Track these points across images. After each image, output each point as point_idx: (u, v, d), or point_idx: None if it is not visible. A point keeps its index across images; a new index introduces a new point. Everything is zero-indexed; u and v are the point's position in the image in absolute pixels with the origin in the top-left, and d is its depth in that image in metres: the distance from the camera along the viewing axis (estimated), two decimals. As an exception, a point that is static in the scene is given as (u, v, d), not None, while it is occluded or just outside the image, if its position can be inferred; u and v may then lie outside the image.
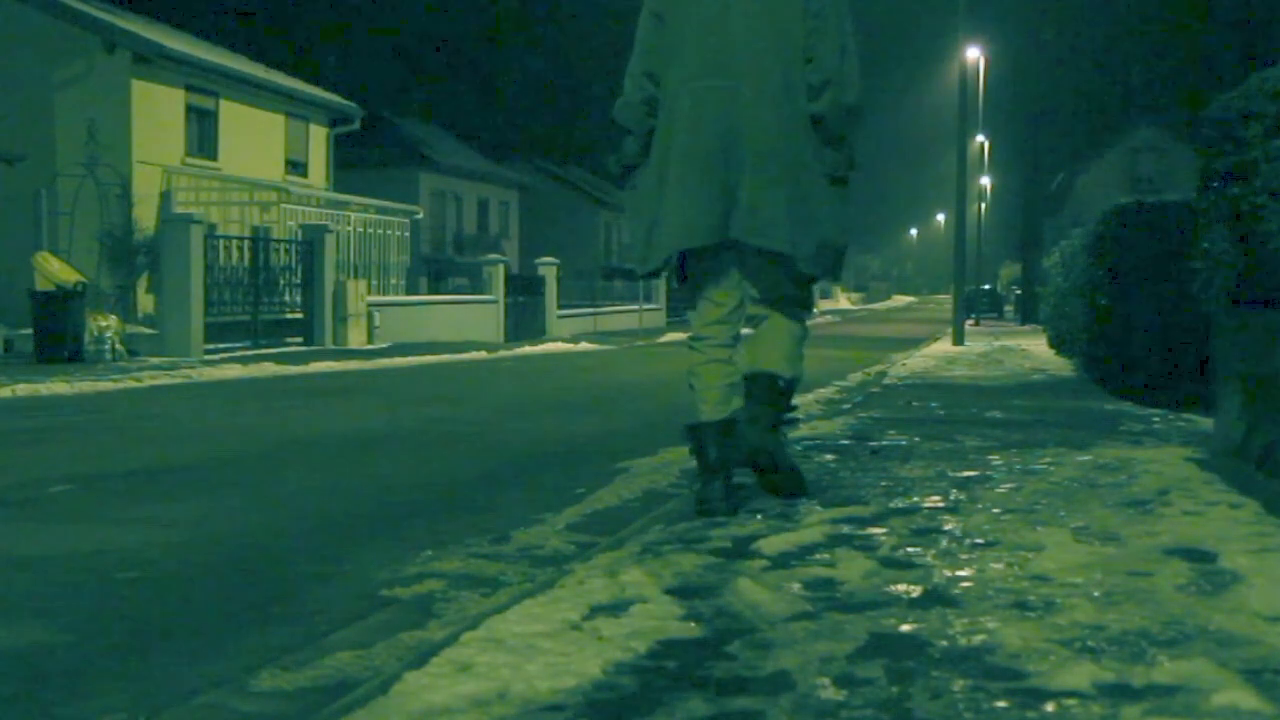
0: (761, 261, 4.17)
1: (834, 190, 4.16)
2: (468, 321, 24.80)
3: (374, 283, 23.58)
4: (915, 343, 24.23)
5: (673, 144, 4.12)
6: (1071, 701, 2.27)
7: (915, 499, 4.53)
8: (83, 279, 15.87)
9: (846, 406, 9.11)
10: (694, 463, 4.38)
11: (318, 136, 25.53)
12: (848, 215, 4.26)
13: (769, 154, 4.03)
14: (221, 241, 19.40)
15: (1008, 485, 4.83)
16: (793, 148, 4.07)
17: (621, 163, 4.34)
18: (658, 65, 4.21)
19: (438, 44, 51.56)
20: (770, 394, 4.31)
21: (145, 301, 19.16)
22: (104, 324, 15.97)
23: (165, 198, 20.02)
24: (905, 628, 2.79)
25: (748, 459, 4.30)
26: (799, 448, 6.05)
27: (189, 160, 20.99)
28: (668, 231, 4.12)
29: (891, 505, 4.39)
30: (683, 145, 4.08)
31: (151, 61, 19.68)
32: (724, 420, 4.17)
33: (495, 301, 26.29)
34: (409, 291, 26.26)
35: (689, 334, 4.40)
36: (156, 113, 20.12)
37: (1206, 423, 6.81)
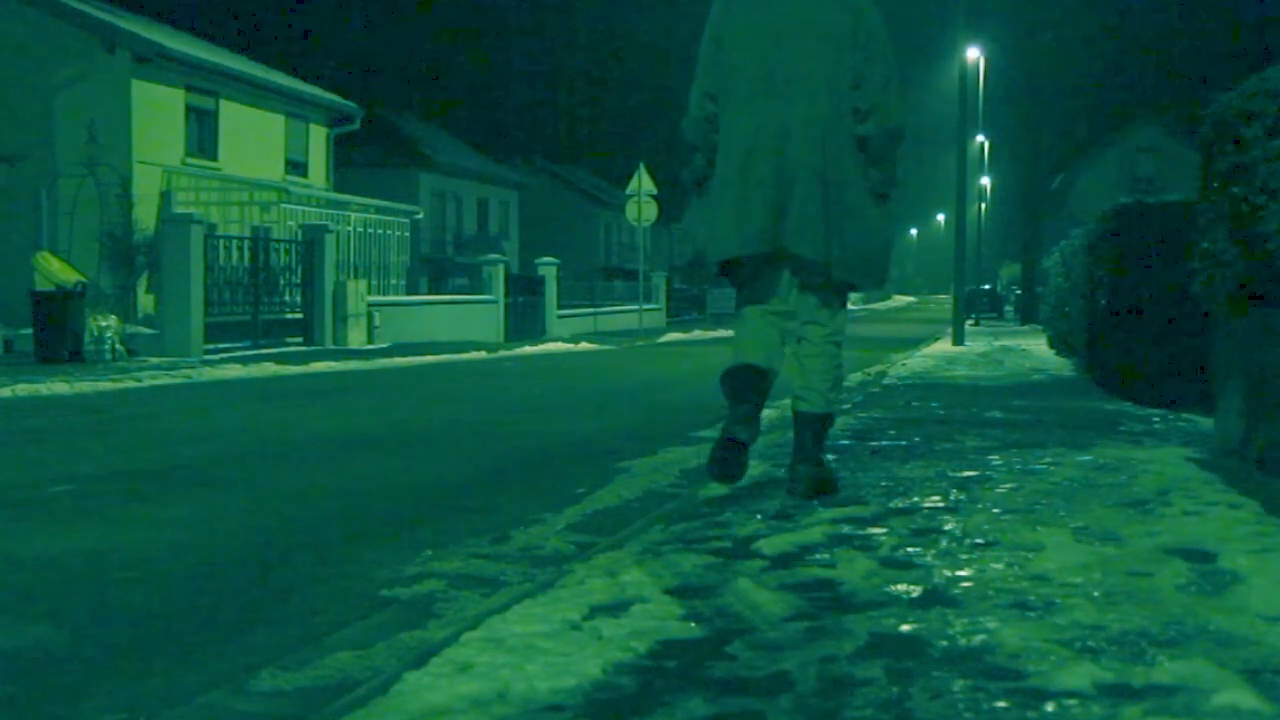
0: (810, 269, 4.46)
1: (877, 206, 4.46)
2: (468, 321, 24.79)
3: (374, 283, 23.57)
4: (915, 343, 24.23)
5: (730, 159, 4.44)
6: (1071, 701, 2.27)
7: (915, 499, 4.53)
8: (83, 279, 15.87)
9: (846, 406, 9.10)
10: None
11: (318, 136, 25.51)
12: (891, 229, 4.57)
13: (816, 171, 4.33)
14: (221, 241, 19.39)
15: (1008, 485, 4.83)
16: (839, 166, 4.36)
17: (693, 176, 4.63)
18: (718, 85, 4.52)
19: (438, 44, 51.57)
20: (818, 434, 4.62)
21: (145, 301, 19.15)
22: (104, 324, 15.97)
23: (165, 198, 20.01)
24: (905, 628, 2.79)
25: (806, 489, 4.53)
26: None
27: (189, 160, 20.97)
28: (724, 239, 4.46)
29: (891, 505, 4.39)
30: (739, 161, 4.40)
31: (151, 61, 19.66)
32: (763, 368, 4.49)
33: (495, 301, 26.29)
34: (409, 291, 26.25)
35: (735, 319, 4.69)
36: (156, 113, 20.10)
37: (1206, 423, 6.81)
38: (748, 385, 4.45)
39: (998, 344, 21.05)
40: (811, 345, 4.58)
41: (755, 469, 5.15)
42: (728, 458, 4.44)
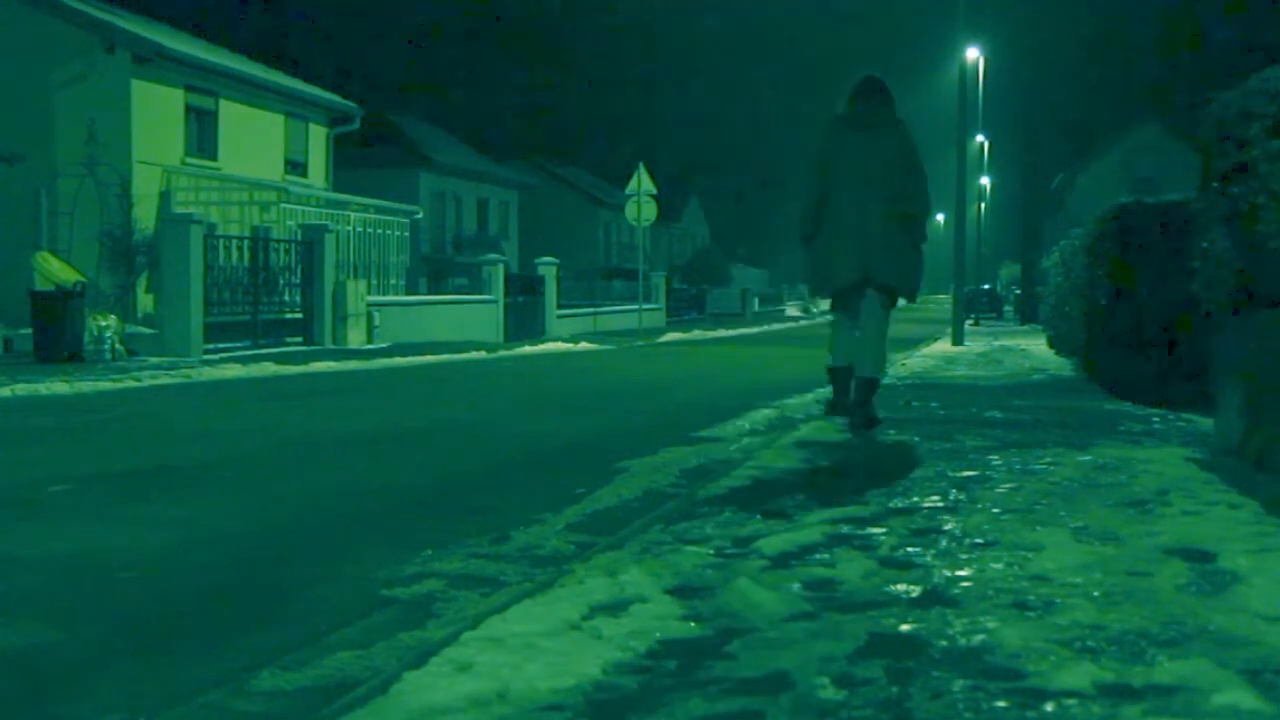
0: (881, 289, 7.19)
1: (914, 252, 7.28)
2: (467, 321, 24.78)
3: (374, 283, 23.56)
4: (915, 342, 24.21)
5: (835, 229, 7.14)
6: (1071, 701, 2.27)
7: (915, 499, 4.53)
8: (82, 279, 15.86)
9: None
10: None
11: (318, 136, 25.49)
12: (921, 265, 7.34)
13: (883, 235, 7.07)
14: (221, 241, 19.38)
15: (1007, 485, 4.83)
16: (891, 231, 7.10)
17: (807, 235, 7.30)
18: (825, 185, 7.16)
19: (438, 44, 51.62)
20: (869, 389, 7.21)
21: (145, 301, 19.13)
22: (104, 324, 15.96)
23: (165, 198, 19.99)
24: (905, 628, 2.79)
25: (862, 422, 6.98)
26: (798, 448, 6.06)
27: (189, 160, 20.95)
28: (834, 275, 7.22)
29: (891, 505, 4.39)
30: (841, 230, 7.11)
31: (151, 61, 19.64)
32: (845, 366, 7.32)
33: (495, 301, 26.28)
34: (409, 291, 26.23)
35: (830, 319, 7.56)
36: (156, 113, 20.08)
37: (1206, 423, 6.81)
38: (845, 376, 7.31)
39: (997, 344, 21.04)
40: (870, 334, 7.18)
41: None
42: (840, 405, 7.30)
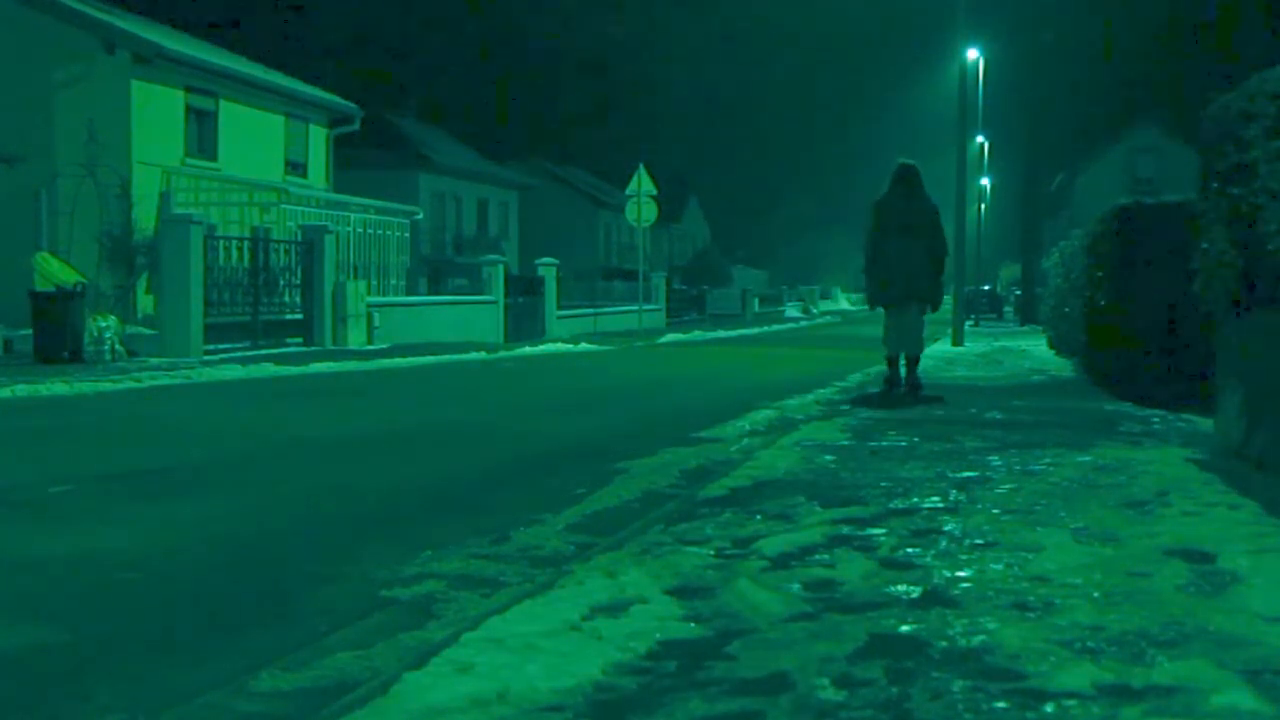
0: (913, 301, 10.16)
1: (938, 280, 10.40)
2: (467, 322, 24.76)
3: (374, 283, 23.54)
4: (915, 343, 24.18)
5: (884, 261, 10.13)
6: (1071, 701, 2.27)
7: (915, 499, 4.53)
8: (82, 279, 15.85)
9: (846, 407, 9.10)
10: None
11: (317, 137, 25.48)
12: (941, 287, 10.45)
13: (919, 267, 10.08)
14: (221, 242, 19.36)
15: (1007, 486, 4.83)
16: (925, 264, 10.10)
17: (865, 268, 10.39)
18: (878, 233, 10.11)
19: (438, 43, 51.68)
20: (915, 363, 10.29)
21: (145, 302, 19.12)
22: (103, 324, 15.95)
23: (165, 198, 19.97)
24: (905, 628, 2.79)
25: (907, 386, 10.05)
26: (798, 449, 6.06)
27: (189, 160, 20.94)
28: (887, 294, 10.24)
29: (891, 505, 4.39)
30: (889, 263, 10.10)
31: (151, 62, 19.63)
32: (896, 355, 10.26)
33: (495, 302, 26.26)
34: (408, 292, 26.20)
35: (884, 321, 10.52)
36: (156, 113, 20.07)
37: (1206, 423, 6.81)
38: (896, 362, 10.20)
39: (997, 345, 21.03)
40: (912, 329, 10.15)
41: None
42: (889, 391, 10.08)
